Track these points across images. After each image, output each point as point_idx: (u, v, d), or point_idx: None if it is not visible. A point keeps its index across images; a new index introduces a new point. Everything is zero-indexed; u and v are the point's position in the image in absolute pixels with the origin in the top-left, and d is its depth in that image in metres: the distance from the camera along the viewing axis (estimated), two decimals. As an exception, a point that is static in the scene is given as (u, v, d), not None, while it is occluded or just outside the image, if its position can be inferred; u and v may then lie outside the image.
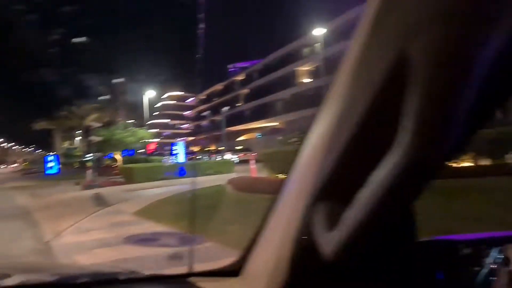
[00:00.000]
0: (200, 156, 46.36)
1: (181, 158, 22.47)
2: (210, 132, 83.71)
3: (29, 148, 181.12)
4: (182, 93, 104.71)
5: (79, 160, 61.42)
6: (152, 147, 52.46)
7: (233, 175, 21.94)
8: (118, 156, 32.68)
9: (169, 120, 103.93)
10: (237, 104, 76.67)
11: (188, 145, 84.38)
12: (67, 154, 60.43)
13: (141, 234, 6.54)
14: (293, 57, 57.66)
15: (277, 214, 1.02)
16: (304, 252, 0.85)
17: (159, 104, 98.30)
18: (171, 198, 12.92)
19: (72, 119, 63.35)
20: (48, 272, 1.79)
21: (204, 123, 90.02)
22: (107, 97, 44.39)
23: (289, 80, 57.46)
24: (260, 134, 68.20)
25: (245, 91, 74.79)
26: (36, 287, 1.39)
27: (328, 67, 47.17)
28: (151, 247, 6.07)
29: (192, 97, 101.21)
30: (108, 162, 47.14)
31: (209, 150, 54.03)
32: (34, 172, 51.27)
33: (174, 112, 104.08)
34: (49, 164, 40.27)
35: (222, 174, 21.59)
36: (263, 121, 64.02)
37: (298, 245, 0.86)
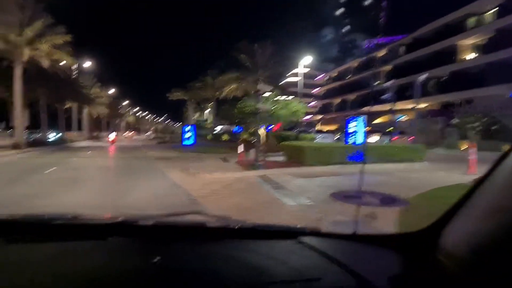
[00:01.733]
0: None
1: (359, 138, 17.81)
2: (342, 111, 78.08)
3: (160, 118, 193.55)
4: (308, 69, 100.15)
5: (211, 132, 61.17)
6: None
7: (425, 164, 16.78)
8: (262, 131, 29.20)
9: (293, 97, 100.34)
10: (376, 83, 69.88)
11: (314, 124, 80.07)
12: (198, 126, 58.80)
13: (347, 191, 5.83)
14: (453, 29, 49.13)
15: (486, 195, 1.02)
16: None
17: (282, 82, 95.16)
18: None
19: (207, 90, 62.64)
20: None
21: (334, 101, 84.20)
22: (247, 65, 41.05)
23: (447, 56, 49.24)
24: (401, 115, 61.17)
25: (387, 68, 67.48)
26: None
27: (502, 40, 38.72)
28: (352, 204, 5.45)
29: (320, 74, 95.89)
30: (245, 136, 45.22)
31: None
32: (168, 141, 51.38)
33: (294, 90, 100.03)
34: (186, 135, 38.65)
35: (414, 162, 16.58)
36: (408, 101, 56.53)
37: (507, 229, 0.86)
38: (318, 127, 75.40)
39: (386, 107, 63.01)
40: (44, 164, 17.41)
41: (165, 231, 1.63)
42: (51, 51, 28.75)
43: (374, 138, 39.01)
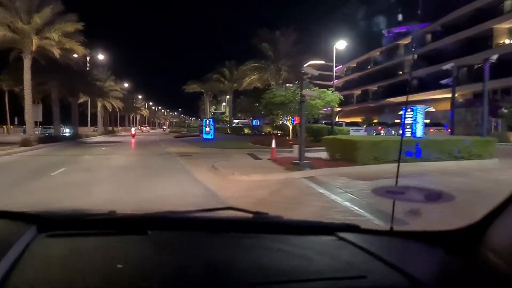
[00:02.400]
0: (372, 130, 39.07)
1: (419, 130, 15.30)
2: (363, 103, 75.24)
3: (174, 112, 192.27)
4: (323, 62, 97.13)
5: (229, 126, 58.94)
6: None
7: (496, 161, 14.20)
8: (289, 124, 26.85)
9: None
10: (399, 72, 66.87)
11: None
12: (215, 119, 56.63)
13: (390, 186, 3.41)
14: (487, 14, 45.92)
15: None
16: None
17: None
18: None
19: (224, 82, 60.30)
20: None
21: (354, 92, 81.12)
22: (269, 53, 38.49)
23: (481, 42, 46.06)
24: (427, 107, 58.15)
25: (411, 57, 64.20)
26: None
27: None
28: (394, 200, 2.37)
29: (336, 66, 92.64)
30: (268, 129, 42.72)
31: (375, 123, 45.86)
32: (186, 135, 49.04)
33: (317, 81, 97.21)
34: (206, 129, 36.51)
35: (483, 158, 14.01)
36: (437, 91, 53.48)
37: None
38: (337, 119, 72.73)
39: (414, 97, 60.02)
40: (52, 164, 15.26)
41: (203, 225, 1.61)
42: (61, 40, 26.61)
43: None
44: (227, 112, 74.93)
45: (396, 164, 1.86)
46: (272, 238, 1.53)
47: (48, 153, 22.16)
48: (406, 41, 69.25)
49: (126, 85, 72.95)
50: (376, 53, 76.92)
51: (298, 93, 22.92)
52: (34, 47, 26.04)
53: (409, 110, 15.41)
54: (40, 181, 11.03)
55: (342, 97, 22.38)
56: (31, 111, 27.74)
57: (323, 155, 15.58)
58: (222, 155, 19.41)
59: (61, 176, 12.17)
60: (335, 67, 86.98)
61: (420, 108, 15.85)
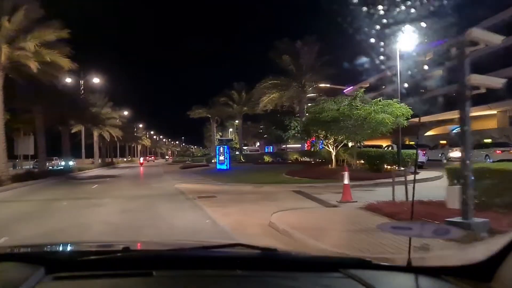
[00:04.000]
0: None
1: None
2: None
3: (176, 141, 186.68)
4: (328, 85, 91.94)
5: (241, 153, 52.95)
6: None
7: None
8: (331, 149, 20.88)
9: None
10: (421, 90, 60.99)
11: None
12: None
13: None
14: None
15: None
16: None
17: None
18: None
19: (233, 106, 54.64)
20: None
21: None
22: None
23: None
24: (457, 126, 52.17)
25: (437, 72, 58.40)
26: None
27: None
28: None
29: (343, 89, 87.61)
30: (294, 156, 36.54)
31: (443, 144, 39.40)
32: (192, 165, 42.87)
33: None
34: (221, 158, 30.59)
35: None
36: (476, 107, 47.45)
37: None
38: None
39: (441, 116, 54.10)
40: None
41: (212, 264, 1.55)
42: (39, 50, 20.93)
43: (455, 153, 30.16)
44: (235, 139, 69.15)
45: None
46: (281, 276, 1.46)
47: (16, 197, 16.20)
48: (427, 57, 63.66)
49: (125, 113, 67.35)
50: (388, 73, 71.39)
51: (356, 106, 17.12)
52: (3, 59, 20.34)
53: None
54: None
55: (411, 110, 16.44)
56: (3, 141, 21.74)
57: (400, 193, 9.53)
58: (261, 195, 13.43)
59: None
60: (348, 88, 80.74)
61: None
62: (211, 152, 78.26)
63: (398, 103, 16.55)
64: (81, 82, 43.05)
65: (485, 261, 1.25)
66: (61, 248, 1.91)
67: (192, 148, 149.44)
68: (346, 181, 11.25)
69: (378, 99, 17.27)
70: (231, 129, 76.84)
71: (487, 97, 41.04)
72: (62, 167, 39.14)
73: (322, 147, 29.82)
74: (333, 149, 21.10)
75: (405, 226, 1.66)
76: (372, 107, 16.48)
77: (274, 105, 37.40)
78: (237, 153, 51.57)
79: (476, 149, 29.93)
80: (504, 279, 1.11)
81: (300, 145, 62.70)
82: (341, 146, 20.76)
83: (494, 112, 46.15)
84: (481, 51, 7.36)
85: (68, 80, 35.78)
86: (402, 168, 17.43)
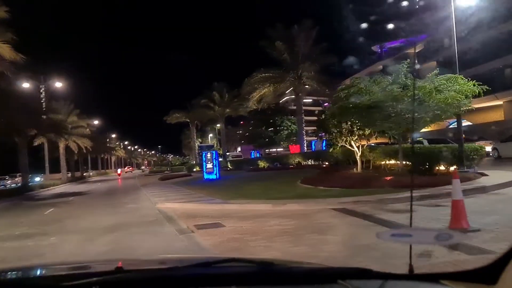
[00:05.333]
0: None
1: None
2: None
3: (152, 151, 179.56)
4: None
5: (226, 159, 47.87)
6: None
7: None
8: (355, 147, 16.30)
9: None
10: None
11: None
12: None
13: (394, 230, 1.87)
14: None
15: None
16: None
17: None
18: None
19: (215, 108, 49.56)
20: None
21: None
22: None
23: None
24: (453, 121, 48.46)
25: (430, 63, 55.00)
26: None
27: None
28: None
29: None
30: (297, 160, 31.22)
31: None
32: (173, 176, 37.59)
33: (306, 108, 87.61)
34: (208, 166, 25.65)
35: None
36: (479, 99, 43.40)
37: None
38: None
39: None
40: None
41: (206, 282, 1.46)
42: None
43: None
44: (216, 145, 64.18)
45: None
46: None
47: None
48: (417, 49, 60.42)
49: (96, 122, 61.38)
50: (379, 66, 68.01)
51: (409, 85, 12.41)
52: None
53: None
54: None
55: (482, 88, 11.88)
56: None
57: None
58: (295, 222, 8.70)
59: None
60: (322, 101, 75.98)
61: None
62: (190, 160, 73.04)
63: (463, 78, 12.01)
64: (42, 87, 37.77)
65: (490, 264, 1.21)
66: (42, 273, 1.83)
67: (169, 157, 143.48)
68: (457, 195, 6.55)
69: (435, 72, 12.76)
70: (211, 135, 71.87)
71: (494, 87, 36.76)
72: (19, 185, 33.61)
73: (326, 147, 25.03)
74: (358, 147, 16.47)
75: (405, 233, 1.49)
76: (433, 84, 11.87)
77: (266, 101, 32.64)
78: (220, 159, 46.56)
79: (504, 142, 25.74)
80: (509, 281, 1.09)
81: (282, 149, 58.20)
82: (372, 143, 16.17)
83: (500, 102, 42.57)
84: None
85: (26, 85, 30.96)
86: (468, 169, 12.95)
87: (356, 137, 16.21)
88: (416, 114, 10.84)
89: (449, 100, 11.59)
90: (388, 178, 12.89)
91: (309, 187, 14.19)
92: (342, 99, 13.60)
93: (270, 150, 44.21)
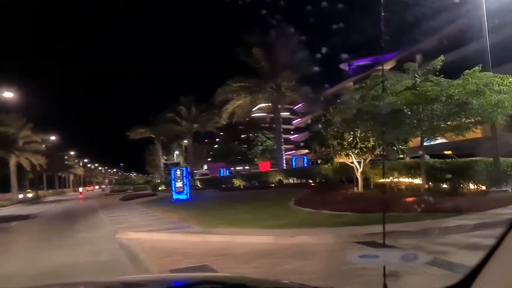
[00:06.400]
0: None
1: None
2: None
3: (113, 169, 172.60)
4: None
5: (195, 178, 44.54)
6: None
7: None
8: (356, 163, 13.81)
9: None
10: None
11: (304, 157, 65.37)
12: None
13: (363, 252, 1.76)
14: None
15: None
16: None
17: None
18: None
19: (182, 123, 46.36)
20: None
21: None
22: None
23: None
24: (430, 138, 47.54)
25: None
26: None
27: None
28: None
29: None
30: (277, 178, 28.07)
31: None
32: (136, 196, 34.08)
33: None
34: (178, 185, 22.60)
35: None
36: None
37: None
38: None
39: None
40: None
41: None
42: None
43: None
44: (182, 162, 60.83)
45: None
46: None
47: None
48: (389, 65, 59.44)
49: (53, 137, 56.60)
50: (349, 83, 66.82)
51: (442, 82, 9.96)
52: None
53: None
54: None
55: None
56: None
57: None
58: (318, 265, 5.94)
59: None
60: (295, 107, 74.19)
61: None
62: (155, 179, 69.17)
63: (508, 77, 9.72)
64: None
65: (461, 280, 1.20)
66: None
67: (133, 175, 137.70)
68: None
69: (476, 68, 10.45)
70: (177, 152, 68.38)
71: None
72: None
73: (311, 163, 22.69)
74: (359, 163, 13.97)
75: (372, 254, 1.50)
76: (470, 85, 9.46)
77: (241, 114, 30.00)
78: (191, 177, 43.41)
79: None
80: None
81: (244, 167, 55.56)
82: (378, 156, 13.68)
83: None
84: None
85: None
86: (506, 188, 10.62)
87: (357, 150, 13.72)
88: (458, 119, 8.44)
89: (506, 104, 9.19)
90: (410, 199, 10.37)
91: (310, 211, 11.45)
92: (359, 101, 11.05)
93: (243, 167, 41.40)
